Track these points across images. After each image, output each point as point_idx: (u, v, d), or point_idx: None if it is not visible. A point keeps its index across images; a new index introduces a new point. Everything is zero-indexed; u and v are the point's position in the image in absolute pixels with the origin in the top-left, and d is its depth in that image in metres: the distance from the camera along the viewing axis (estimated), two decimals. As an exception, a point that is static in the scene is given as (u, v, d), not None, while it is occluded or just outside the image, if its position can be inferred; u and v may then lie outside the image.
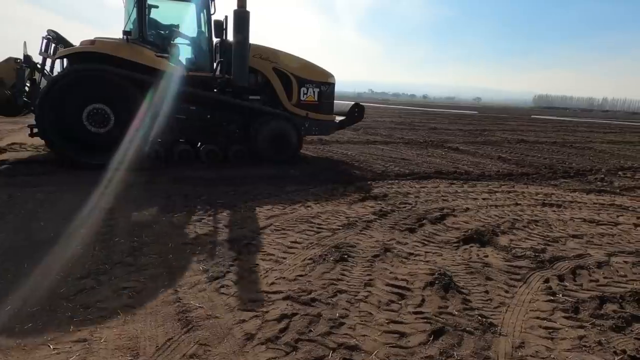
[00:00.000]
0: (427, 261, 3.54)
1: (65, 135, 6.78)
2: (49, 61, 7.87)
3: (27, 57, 7.60)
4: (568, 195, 6.73)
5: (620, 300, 2.94)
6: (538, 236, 4.41)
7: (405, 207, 5.34)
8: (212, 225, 4.20)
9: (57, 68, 7.99)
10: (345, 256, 3.51)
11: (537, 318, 2.68)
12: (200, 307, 2.62)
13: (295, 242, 3.84)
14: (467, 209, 5.39)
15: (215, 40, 8.15)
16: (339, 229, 4.27)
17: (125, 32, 7.21)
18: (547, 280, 3.25)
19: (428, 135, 16.09)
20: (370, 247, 3.80)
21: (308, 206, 5.14)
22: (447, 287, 3.00)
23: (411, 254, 3.69)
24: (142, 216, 4.41)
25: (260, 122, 8.06)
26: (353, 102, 10.06)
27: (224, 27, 7.64)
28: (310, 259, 3.44)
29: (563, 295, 2.99)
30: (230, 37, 7.75)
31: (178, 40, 8.05)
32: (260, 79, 8.54)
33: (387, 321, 2.54)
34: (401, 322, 2.53)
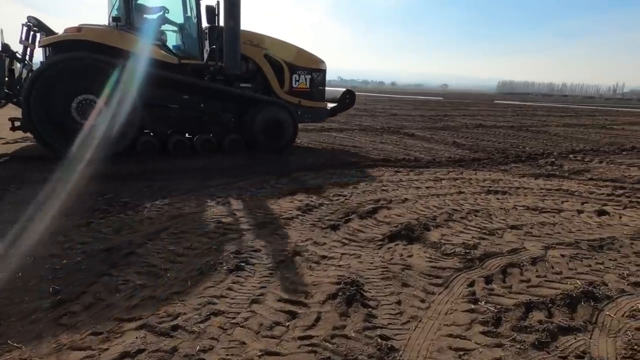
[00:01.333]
0: (340, 266, 3.03)
1: (53, 127, 6.41)
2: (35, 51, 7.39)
3: (5, 46, 7.06)
4: (516, 180, 6.44)
5: (550, 306, 2.53)
6: (474, 228, 4.01)
7: (337, 199, 4.83)
8: (96, 231, 3.53)
9: (38, 57, 7.49)
10: (243, 264, 2.95)
11: (450, 336, 2.22)
12: (17, 347, 2.00)
13: (190, 248, 3.24)
14: (406, 200, 4.94)
15: (204, 26, 7.73)
16: (250, 230, 3.70)
17: (114, 19, 6.82)
18: (472, 284, 2.82)
19: (387, 121, 15.70)
20: (279, 250, 3.25)
21: (226, 202, 4.54)
22: (352, 299, 2.49)
23: (324, 257, 3.18)
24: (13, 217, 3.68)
25: (255, 111, 7.75)
26: (344, 89, 9.86)
27: (216, 12, 7.22)
28: (198, 269, 2.86)
29: (486, 303, 2.55)
30: (221, 23, 7.35)
31: (166, 26, 7.71)
32: (251, 66, 8.15)
33: (260, 353, 2.00)
34: (278, 354, 2.01)
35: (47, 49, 6.92)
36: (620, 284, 2.91)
